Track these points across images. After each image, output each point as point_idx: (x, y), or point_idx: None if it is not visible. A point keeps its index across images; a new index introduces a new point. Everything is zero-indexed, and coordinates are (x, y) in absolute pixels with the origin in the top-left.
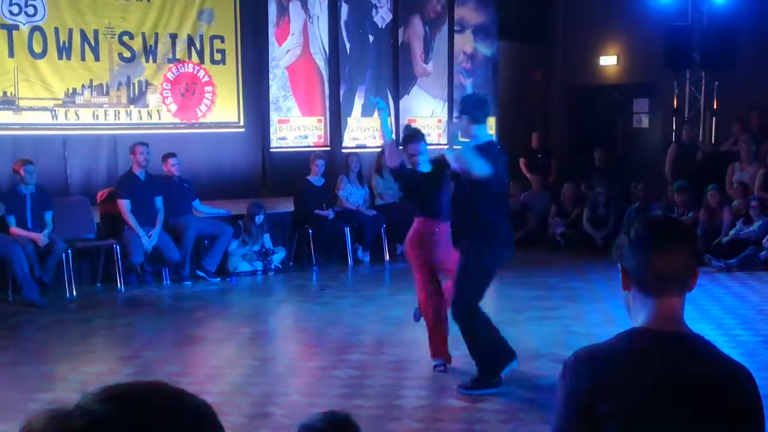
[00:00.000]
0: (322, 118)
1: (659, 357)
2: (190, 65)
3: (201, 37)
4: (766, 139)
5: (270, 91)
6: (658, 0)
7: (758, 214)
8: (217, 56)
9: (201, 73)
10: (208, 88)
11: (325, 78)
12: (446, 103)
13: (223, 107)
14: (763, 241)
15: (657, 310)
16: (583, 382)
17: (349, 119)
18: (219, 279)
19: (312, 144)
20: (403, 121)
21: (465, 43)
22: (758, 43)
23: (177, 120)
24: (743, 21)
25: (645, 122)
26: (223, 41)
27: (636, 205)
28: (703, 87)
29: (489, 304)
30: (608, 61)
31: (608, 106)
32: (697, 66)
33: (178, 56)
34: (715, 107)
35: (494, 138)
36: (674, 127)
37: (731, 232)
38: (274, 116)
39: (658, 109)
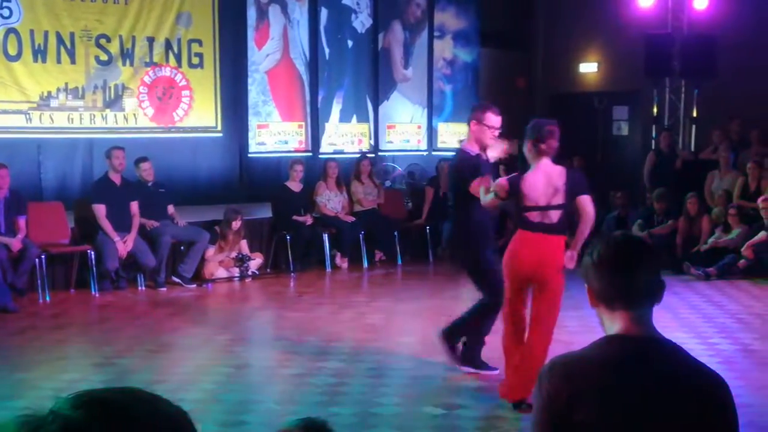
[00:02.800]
0: (303, 123)
1: (634, 362)
2: (168, 69)
3: (179, 40)
4: (746, 148)
5: (249, 95)
6: (638, 8)
7: (737, 223)
8: (195, 60)
9: (178, 77)
10: (186, 92)
11: (306, 83)
12: (426, 109)
13: (200, 111)
14: (742, 249)
15: (628, 320)
16: (559, 390)
17: (327, 125)
18: (195, 285)
19: (293, 149)
20: (383, 127)
21: (445, 49)
22: (738, 51)
23: (154, 124)
24: (723, 30)
25: (625, 130)
26: (201, 45)
27: (615, 213)
28: (683, 95)
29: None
30: (589, 68)
31: (588, 114)
32: (676, 74)
33: (155, 60)
34: (694, 115)
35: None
36: (654, 135)
37: (710, 240)
38: (253, 121)
39: (637, 116)
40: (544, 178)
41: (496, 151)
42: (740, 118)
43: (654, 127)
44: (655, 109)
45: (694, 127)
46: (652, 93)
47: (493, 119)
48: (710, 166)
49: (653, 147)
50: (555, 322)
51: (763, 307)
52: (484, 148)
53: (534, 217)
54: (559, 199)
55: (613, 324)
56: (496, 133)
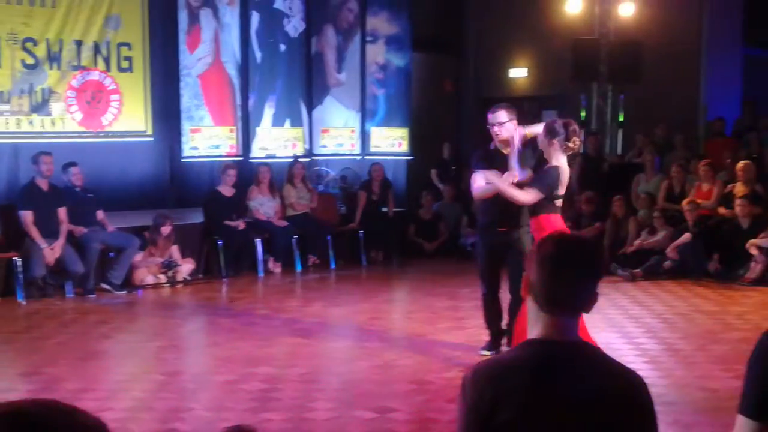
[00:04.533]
0: (235, 127)
1: (554, 367)
2: (96, 73)
3: (108, 43)
4: (670, 152)
5: (181, 99)
6: (566, 14)
7: (662, 225)
8: (125, 64)
9: (107, 81)
10: (115, 96)
11: (237, 87)
12: (359, 113)
13: (130, 116)
14: (667, 251)
15: (549, 325)
16: (483, 395)
17: (258, 129)
18: (125, 292)
19: (224, 154)
20: (317, 131)
21: (377, 53)
22: (662, 57)
23: (82, 129)
24: (648, 35)
25: None
26: (130, 48)
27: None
28: (610, 100)
29: (399, 315)
30: (518, 73)
31: (519, 118)
32: (604, 79)
33: (83, 63)
34: (621, 120)
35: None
36: (582, 139)
37: (636, 242)
38: (186, 125)
39: None
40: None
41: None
42: (665, 122)
43: (582, 131)
44: (582, 114)
45: (620, 131)
46: (580, 97)
47: (488, 117)
48: (636, 170)
49: (581, 151)
50: None
51: (687, 307)
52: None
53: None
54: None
55: (537, 323)
56: (494, 129)
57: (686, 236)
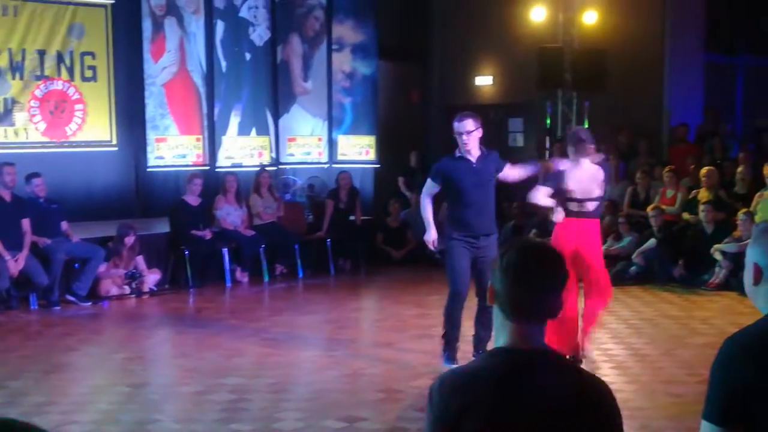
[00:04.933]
0: (201, 136)
1: (520, 375)
2: (60, 82)
3: (71, 53)
4: (634, 158)
5: (146, 109)
6: (531, 22)
7: (627, 231)
8: (89, 73)
9: (71, 91)
10: (79, 106)
11: (203, 96)
12: (326, 122)
13: (94, 126)
14: (633, 257)
15: (515, 333)
16: (450, 404)
17: (224, 138)
18: (90, 303)
19: (191, 163)
20: (283, 139)
21: (343, 61)
22: (626, 64)
23: (46, 139)
24: (612, 43)
25: (520, 141)
26: (94, 57)
27: (512, 223)
28: (575, 107)
29: (367, 323)
30: (484, 81)
31: (484, 126)
32: (568, 86)
33: (46, 73)
34: (586, 126)
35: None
36: (548, 146)
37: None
38: (151, 135)
39: (532, 128)
40: (586, 174)
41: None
42: (629, 129)
43: (548, 138)
44: (548, 121)
45: None
46: (545, 105)
47: (455, 126)
48: None
49: (547, 158)
50: None
51: (653, 313)
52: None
53: (573, 206)
54: (597, 192)
55: (504, 331)
56: (463, 138)
57: (651, 242)
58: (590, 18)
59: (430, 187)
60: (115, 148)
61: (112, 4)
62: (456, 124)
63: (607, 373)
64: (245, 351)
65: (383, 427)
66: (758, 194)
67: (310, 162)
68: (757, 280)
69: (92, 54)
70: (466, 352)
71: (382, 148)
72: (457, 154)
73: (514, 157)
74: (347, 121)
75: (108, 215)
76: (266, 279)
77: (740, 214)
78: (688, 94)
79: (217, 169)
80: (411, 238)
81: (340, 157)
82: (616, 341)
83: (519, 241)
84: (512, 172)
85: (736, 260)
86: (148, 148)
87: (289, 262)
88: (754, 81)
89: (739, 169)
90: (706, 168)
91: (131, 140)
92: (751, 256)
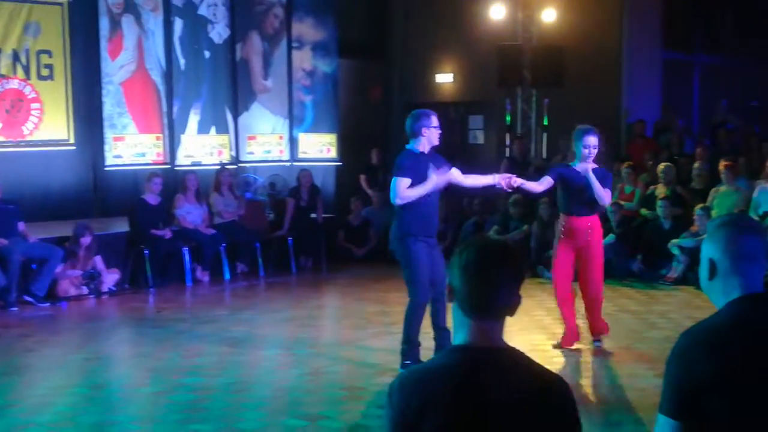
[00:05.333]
0: (161, 135)
1: (479, 372)
2: (16, 81)
3: (27, 51)
4: None
5: (104, 107)
6: (490, 19)
7: None
8: (45, 71)
9: (27, 89)
10: (36, 105)
11: (162, 94)
12: (287, 120)
13: (51, 125)
14: None
15: (474, 331)
16: (410, 402)
17: (183, 136)
18: (48, 304)
19: (150, 161)
20: (243, 138)
21: (304, 59)
22: (585, 61)
23: (2, 138)
24: (570, 40)
25: (480, 138)
26: (51, 56)
27: (473, 220)
28: (534, 104)
29: (328, 321)
30: (444, 78)
31: (445, 123)
32: (528, 84)
33: (2, 72)
34: (545, 124)
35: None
36: (507, 143)
37: None
38: (108, 133)
39: (492, 125)
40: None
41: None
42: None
43: (507, 135)
44: (508, 118)
45: (545, 134)
46: (505, 102)
47: (435, 120)
48: None
49: (507, 154)
50: None
51: (612, 308)
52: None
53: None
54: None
55: (461, 328)
56: (438, 131)
57: (610, 237)
58: (549, 16)
59: (406, 183)
60: (73, 147)
61: (69, 2)
62: (435, 118)
63: (567, 368)
64: (206, 351)
65: (345, 425)
66: (714, 189)
67: (271, 160)
68: (712, 275)
69: (49, 52)
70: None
71: (343, 146)
72: (418, 150)
73: (475, 153)
74: (308, 119)
75: (66, 215)
76: (227, 278)
77: (697, 210)
78: (646, 91)
79: (176, 168)
80: (372, 235)
81: (301, 155)
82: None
83: (477, 238)
84: (466, 180)
85: (694, 255)
86: (106, 147)
87: (250, 261)
88: (710, 78)
89: (696, 164)
90: (663, 164)
91: (89, 139)
92: (706, 252)
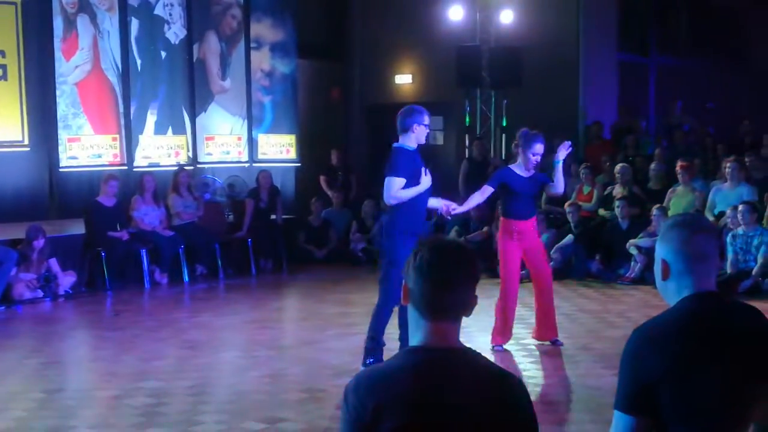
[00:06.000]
0: (117, 135)
1: (433, 373)
2: None
3: None
4: (551, 154)
5: (58, 108)
6: (449, 21)
7: (545, 227)
8: None
9: None
10: None
11: (119, 94)
12: (245, 121)
13: (5, 125)
14: (551, 252)
15: (430, 332)
16: (364, 403)
17: (141, 137)
18: (3, 307)
19: (107, 163)
20: (201, 138)
21: (262, 60)
22: (542, 62)
23: None
24: (528, 41)
25: (440, 139)
26: (4, 56)
27: (433, 220)
28: (493, 105)
29: (289, 323)
30: (404, 79)
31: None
32: (487, 85)
33: None
34: (504, 124)
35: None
36: (467, 144)
37: None
38: (63, 134)
39: (451, 126)
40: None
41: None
42: (545, 126)
43: (467, 136)
44: (467, 119)
45: (504, 135)
46: (465, 103)
47: (427, 119)
48: None
49: (467, 155)
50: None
51: (571, 307)
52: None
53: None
54: None
55: (417, 330)
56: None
57: (569, 238)
58: (507, 17)
59: (401, 183)
60: (27, 148)
61: (23, 2)
62: (427, 118)
63: (525, 368)
64: (164, 353)
65: (305, 427)
66: (671, 190)
67: (230, 161)
68: (665, 275)
69: (2, 52)
70: (392, 350)
71: (302, 146)
72: (410, 147)
73: (435, 154)
74: (267, 119)
75: (20, 217)
76: (186, 280)
77: (654, 210)
78: (603, 93)
79: (134, 169)
80: (333, 236)
81: (260, 156)
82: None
83: (431, 239)
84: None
85: (651, 255)
86: (60, 148)
87: (209, 263)
88: (666, 80)
89: (653, 165)
90: (620, 164)
91: (43, 140)
92: (659, 253)
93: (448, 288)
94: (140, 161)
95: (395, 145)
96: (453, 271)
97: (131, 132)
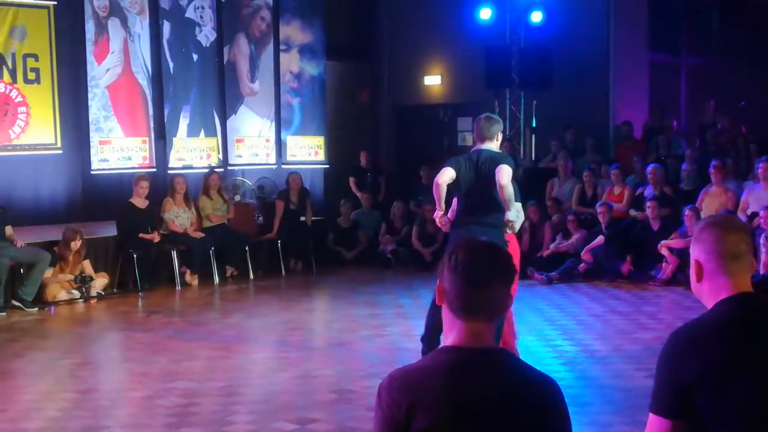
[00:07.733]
0: (147, 138)
1: (467, 373)
2: (2, 85)
3: (13, 55)
4: (581, 156)
5: (90, 111)
6: (478, 21)
7: (576, 228)
8: (31, 75)
9: (14, 93)
10: (22, 109)
11: (149, 98)
12: (273, 123)
13: (38, 128)
14: (581, 253)
15: (465, 332)
16: (398, 402)
17: (174, 140)
18: (37, 309)
19: (137, 165)
20: (231, 141)
21: (291, 62)
22: (572, 63)
23: None
24: (558, 42)
25: (469, 140)
26: (37, 60)
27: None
28: (522, 106)
29: (318, 324)
30: (432, 80)
31: (434, 125)
32: (516, 85)
33: None
34: (533, 125)
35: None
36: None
37: (552, 246)
38: (94, 137)
39: None
40: None
41: None
42: (575, 127)
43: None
44: None
45: (533, 136)
46: (494, 104)
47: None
48: (550, 174)
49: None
50: None
51: (602, 309)
52: None
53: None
54: None
55: (452, 330)
56: None
57: (599, 239)
58: (536, 17)
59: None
60: (60, 151)
61: (54, 6)
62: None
63: (557, 370)
64: (195, 354)
65: (335, 428)
66: (704, 190)
67: (258, 163)
68: (700, 276)
69: (35, 56)
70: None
71: (331, 148)
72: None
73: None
74: (296, 121)
75: (54, 219)
76: (216, 281)
77: (686, 210)
78: (634, 93)
79: (169, 171)
80: (362, 238)
81: (289, 158)
82: (566, 338)
83: (467, 240)
84: None
85: (683, 256)
86: (92, 151)
87: (239, 264)
88: (697, 79)
89: (684, 165)
90: (651, 165)
91: (76, 143)
92: (693, 254)
93: (483, 288)
94: (175, 163)
95: (490, 150)
96: (488, 271)
97: (165, 135)
